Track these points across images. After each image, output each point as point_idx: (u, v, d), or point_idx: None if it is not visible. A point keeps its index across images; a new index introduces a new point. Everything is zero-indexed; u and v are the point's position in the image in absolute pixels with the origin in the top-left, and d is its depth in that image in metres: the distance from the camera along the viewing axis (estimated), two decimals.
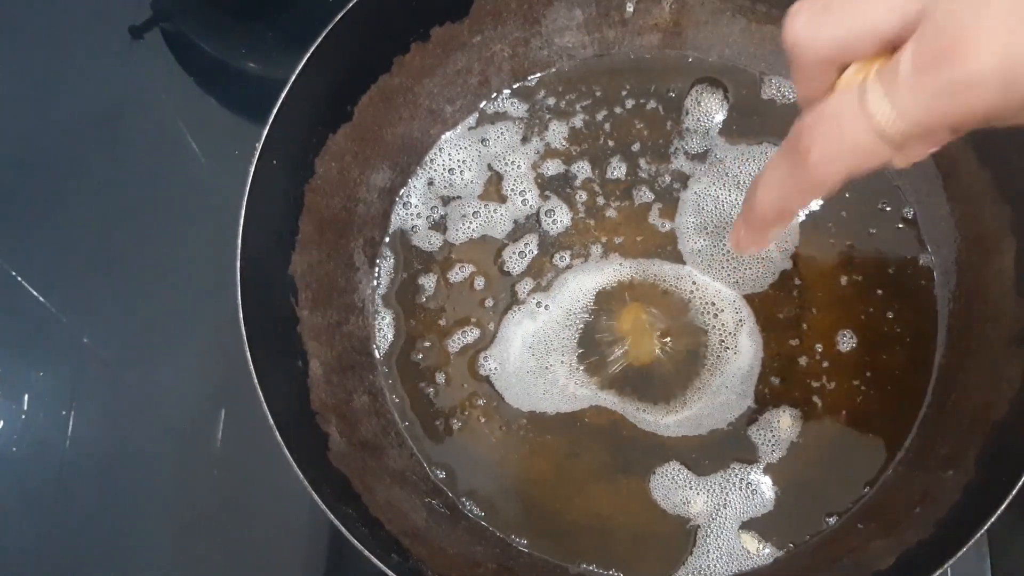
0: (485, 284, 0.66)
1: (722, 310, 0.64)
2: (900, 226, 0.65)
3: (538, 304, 0.65)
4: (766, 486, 0.61)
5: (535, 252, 0.66)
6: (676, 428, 0.62)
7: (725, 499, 0.61)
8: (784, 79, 0.68)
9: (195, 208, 0.73)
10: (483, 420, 0.63)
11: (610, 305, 0.65)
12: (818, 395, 0.62)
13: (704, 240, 0.65)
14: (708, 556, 0.60)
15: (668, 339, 0.64)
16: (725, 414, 0.62)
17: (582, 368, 0.64)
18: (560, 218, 0.67)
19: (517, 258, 0.66)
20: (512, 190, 0.67)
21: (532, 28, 0.68)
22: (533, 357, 0.64)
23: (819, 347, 0.63)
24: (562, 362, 0.64)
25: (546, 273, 0.66)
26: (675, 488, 0.61)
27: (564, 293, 0.65)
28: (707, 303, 0.64)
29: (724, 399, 0.62)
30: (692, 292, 0.64)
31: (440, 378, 0.64)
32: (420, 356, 0.65)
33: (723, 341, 0.63)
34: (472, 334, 0.65)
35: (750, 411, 0.62)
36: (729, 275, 0.65)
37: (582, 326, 0.64)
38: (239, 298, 0.54)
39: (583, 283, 0.65)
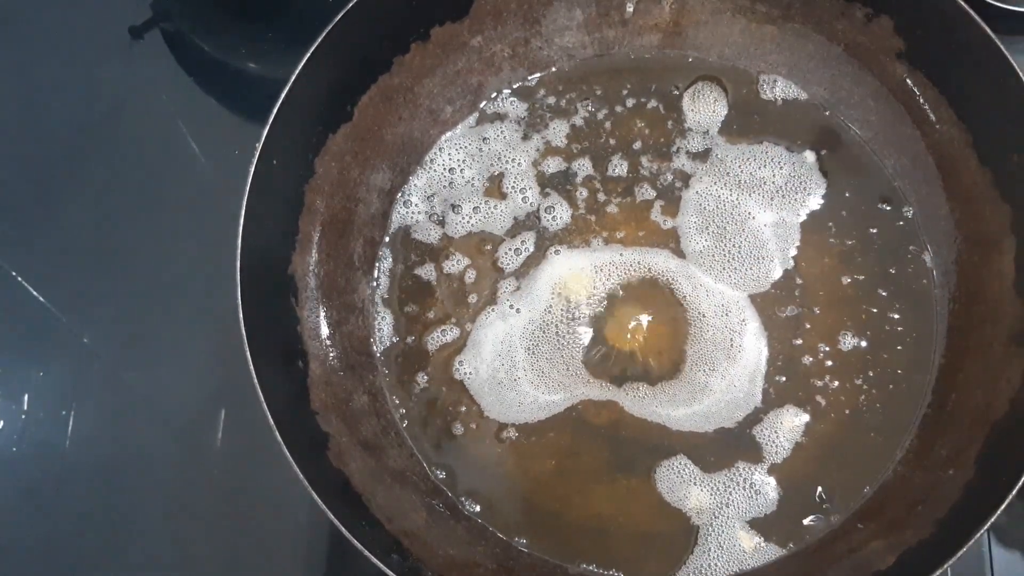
0: (476, 278, 0.66)
1: (728, 311, 0.64)
2: (900, 226, 0.65)
3: (511, 306, 0.65)
4: (769, 487, 0.61)
5: (531, 250, 0.66)
6: (685, 422, 0.62)
7: (728, 498, 0.61)
8: (783, 78, 0.68)
9: (195, 208, 0.73)
10: (474, 426, 0.63)
11: (606, 304, 0.65)
12: (822, 394, 0.62)
13: (706, 240, 0.65)
14: (709, 555, 0.60)
15: (665, 336, 0.64)
16: (733, 412, 0.62)
17: (559, 371, 0.64)
18: (560, 215, 0.67)
19: (512, 255, 0.66)
20: (512, 187, 0.67)
21: (532, 28, 0.68)
22: (503, 368, 0.64)
23: (822, 346, 0.63)
24: (525, 374, 0.64)
25: (535, 270, 0.66)
26: (680, 482, 0.61)
27: (534, 292, 0.65)
28: (712, 304, 0.64)
29: (732, 398, 0.63)
30: (694, 290, 0.64)
31: (422, 379, 0.64)
32: (411, 353, 0.65)
33: (730, 340, 0.63)
34: (452, 333, 0.65)
35: (757, 411, 0.62)
36: (731, 275, 0.65)
37: (575, 324, 0.64)
38: (239, 298, 0.54)
39: (571, 266, 0.65)
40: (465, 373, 0.64)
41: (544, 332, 0.64)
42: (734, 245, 0.65)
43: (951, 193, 0.64)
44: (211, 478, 0.67)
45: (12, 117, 0.77)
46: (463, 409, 0.63)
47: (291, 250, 0.62)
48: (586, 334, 0.64)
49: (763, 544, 0.60)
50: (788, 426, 0.62)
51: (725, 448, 0.62)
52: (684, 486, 0.61)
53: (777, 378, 0.63)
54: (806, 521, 0.60)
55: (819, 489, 0.61)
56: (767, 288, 0.64)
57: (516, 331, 0.64)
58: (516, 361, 0.64)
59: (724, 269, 0.65)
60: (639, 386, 0.63)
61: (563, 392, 0.63)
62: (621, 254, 0.65)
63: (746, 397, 0.63)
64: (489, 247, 0.66)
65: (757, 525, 0.61)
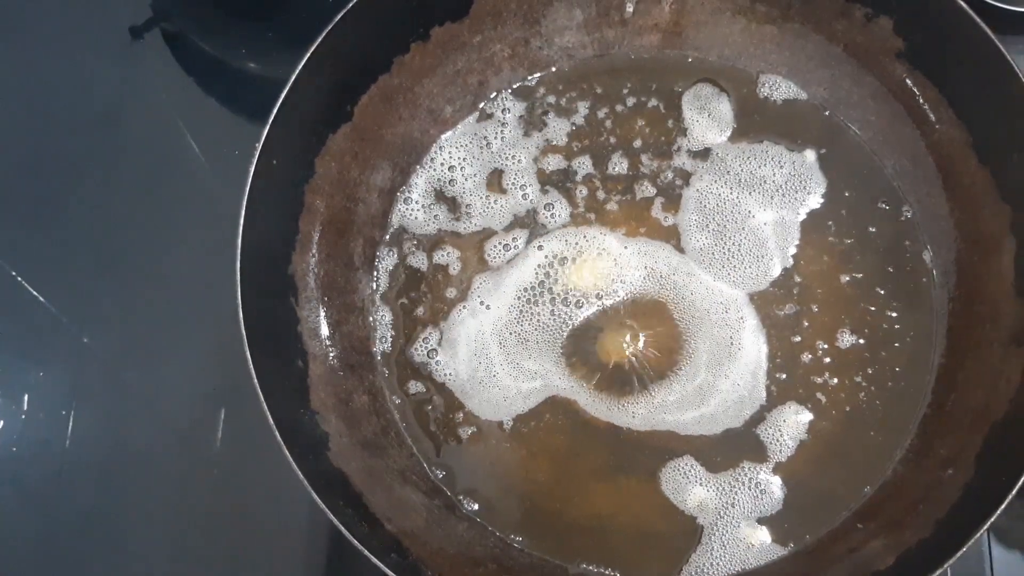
0: (460, 276, 0.66)
1: (727, 308, 0.64)
2: (900, 225, 0.65)
3: (481, 302, 0.65)
4: (774, 485, 0.61)
5: (521, 246, 0.66)
6: (694, 426, 0.62)
7: (734, 498, 0.61)
8: (783, 78, 0.68)
9: (195, 208, 0.73)
10: (469, 427, 0.63)
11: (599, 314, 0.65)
12: (822, 391, 0.62)
13: (706, 238, 0.65)
14: (711, 555, 0.60)
15: (664, 334, 0.64)
16: (740, 411, 0.62)
17: (538, 362, 0.64)
18: (560, 212, 0.67)
19: (501, 250, 0.66)
20: (512, 184, 0.67)
21: (532, 28, 0.68)
22: (482, 367, 0.64)
23: (821, 344, 0.63)
24: (503, 368, 0.64)
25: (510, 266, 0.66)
26: (685, 482, 0.61)
27: (503, 287, 0.65)
28: (712, 301, 0.64)
29: (738, 396, 0.63)
30: (694, 287, 0.64)
31: (416, 379, 0.65)
32: (406, 352, 0.65)
33: (730, 337, 0.63)
34: (435, 334, 0.65)
35: (761, 408, 0.62)
36: (730, 273, 0.65)
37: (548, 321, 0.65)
38: (239, 298, 0.54)
39: (568, 260, 0.65)
40: (446, 375, 0.64)
41: (518, 326, 0.64)
42: (734, 243, 0.65)
43: (951, 193, 0.64)
44: (211, 478, 0.67)
45: (12, 117, 0.77)
46: (454, 409, 0.64)
47: (291, 250, 0.62)
48: (582, 328, 0.64)
49: (766, 542, 0.60)
50: (791, 424, 0.62)
51: (730, 447, 0.62)
52: (689, 486, 0.61)
53: (778, 375, 0.63)
54: (807, 521, 0.60)
55: (819, 489, 0.61)
56: (766, 286, 0.64)
57: (487, 327, 0.64)
58: (492, 357, 0.64)
59: (724, 267, 0.65)
60: (642, 393, 0.63)
61: (541, 380, 0.63)
62: (626, 247, 0.65)
63: (751, 395, 0.63)
64: (481, 241, 0.66)
65: (761, 524, 0.61)
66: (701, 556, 0.60)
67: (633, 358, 0.64)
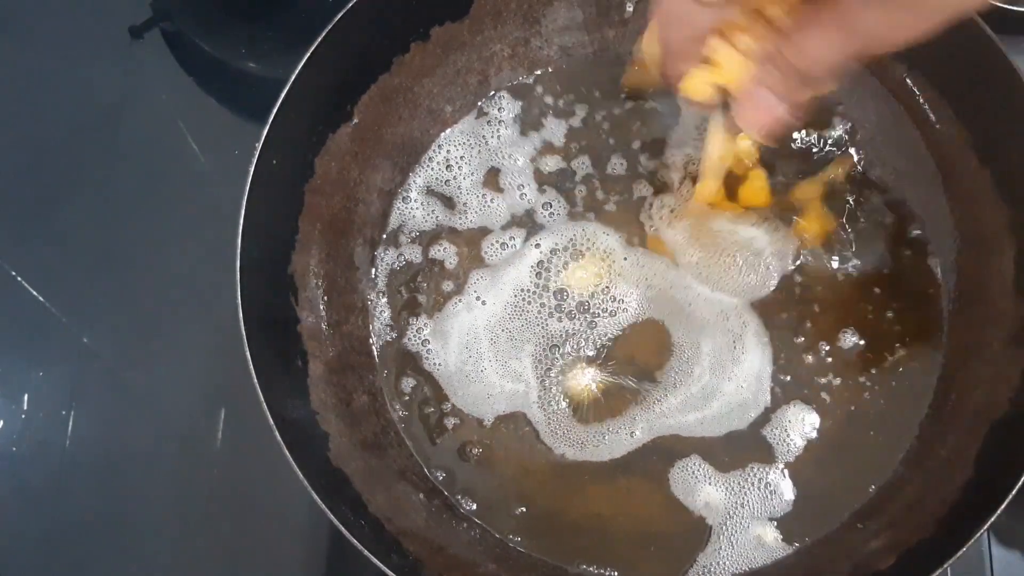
0: (456, 272, 0.66)
1: (727, 314, 0.64)
2: (900, 225, 0.65)
3: (477, 297, 0.65)
4: (784, 485, 0.61)
5: (518, 245, 0.66)
6: (697, 428, 0.62)
7: (744, 498, 0.61)
8: None
9: (195, 208, 0.73)
10: (458, 421, 0.63)
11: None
12: (826, 391, 0.62)
13: (706, 238, 0.65)
14: (718, 555, 0.60)
15: (663, 337, 0.64)
16: (745, 413, 0.62)
17: (526, 363, 0.64)
18: (557, 211, 0.67)
19: (498, 248, 0.66)
20: (510, 183, 0.67)
21: (532, 28, 0.68)
22: (471, 359, 0.64)
23: (823, 345, 0.63)
24: (490, 364, 0.64)
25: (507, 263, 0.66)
26: (695, 483, 0.61)
27: (500, 283, 0.65)
28: (713, 301, 0.64)
29: (742, 399, 0.62)
30: (695, 288, 0.64)
31: (411, 376, 0.65)
32: (403, 350, 0.65)
33: (733, 342, 0.63)
34: (428, 329, 0.65)
35: (766, 411, 0.62)
36: (731, 271, 0.64)
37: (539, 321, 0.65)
38: (239, 298, 0.54)
39: (566, 261, 0.65)
40: (435, 365, 0.64)
41: (510, 323, 0.64)
42: (734, 242, 0.65)
43: (951, 193, 0.64)
44: (211, 478, 0.67)
45: (12, 117, 0.77)
46: (440, 400, 0.64)
47: (291, 250, 0.62)
48: (577, 330, 0.64)
49: (779, 541, 0.60)
50: (797, 424, 0.62)
51: (737, 448, 0.62)
52: (699, 486, 0.61)
53: (782, 377, 0.63)
54: (807, 521, 0.60)
55: (820, 490, 0.61)
56: (767, 287, 0.64)
57: (480, 322, 0.64)
58: (482, 352, 0.64)
59: (725, 267, 0.65)
60: (641, 403, 0.63)
61: (524, 385, 0.63)
62: (626, 247, 0.65)
63: (755, 398, 0.62)
64: (478, 238, 0.66)
65: (771, 523, 0.61)
66: (706, 556, 0.60)
67: (634, 360, 0.64)
